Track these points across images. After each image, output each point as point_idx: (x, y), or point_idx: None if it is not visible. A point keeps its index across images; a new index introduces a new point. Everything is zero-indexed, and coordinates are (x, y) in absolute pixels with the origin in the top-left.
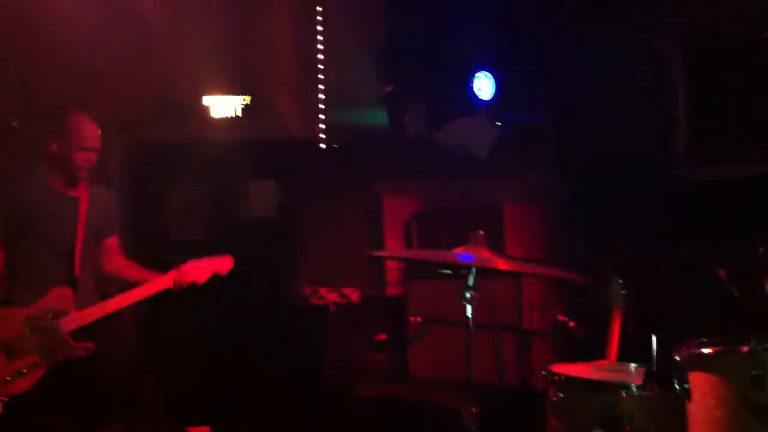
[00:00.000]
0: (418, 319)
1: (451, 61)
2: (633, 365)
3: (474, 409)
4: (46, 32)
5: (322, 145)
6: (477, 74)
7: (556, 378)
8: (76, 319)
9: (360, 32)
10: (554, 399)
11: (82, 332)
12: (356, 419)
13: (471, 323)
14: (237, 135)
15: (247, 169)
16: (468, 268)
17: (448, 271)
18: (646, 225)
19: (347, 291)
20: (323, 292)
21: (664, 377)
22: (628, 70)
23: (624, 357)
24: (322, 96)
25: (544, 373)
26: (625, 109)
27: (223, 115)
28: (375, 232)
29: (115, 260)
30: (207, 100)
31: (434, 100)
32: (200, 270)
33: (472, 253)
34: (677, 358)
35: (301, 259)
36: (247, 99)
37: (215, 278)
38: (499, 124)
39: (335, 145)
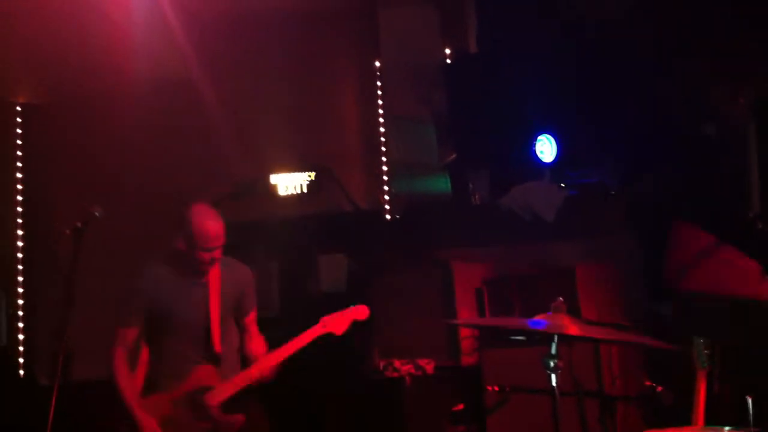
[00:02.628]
0: (495, 387)
1: (512, 126)
2: (727, 428)
3: None
4: (122, 122)
5: (387, 216)
6: (539, 137)
7: None
8: (222, 390)
9: (420, 101)
10: None
11: (231, 406)
12: None
13: (557, 392)
14: (304, 210)
15: (316, 244)
16: (545, 334)
17: (522, 338)
18: None
19: (422, 362)
20: (397, 364)
21: None
22: (695, 126)
23: (712, 420)
24: (385, 168)
25: None
26: (695, 165)
27: (290, 192)
28: (447, 300)
29: (259, 344)
30: (274, 179)
31: (497, 165)
32: (337, 322)
33: (552, 321)
34: None
35: (374, 332)
36: (312, 175)
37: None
38: (564, 185)
39: (400, 216)
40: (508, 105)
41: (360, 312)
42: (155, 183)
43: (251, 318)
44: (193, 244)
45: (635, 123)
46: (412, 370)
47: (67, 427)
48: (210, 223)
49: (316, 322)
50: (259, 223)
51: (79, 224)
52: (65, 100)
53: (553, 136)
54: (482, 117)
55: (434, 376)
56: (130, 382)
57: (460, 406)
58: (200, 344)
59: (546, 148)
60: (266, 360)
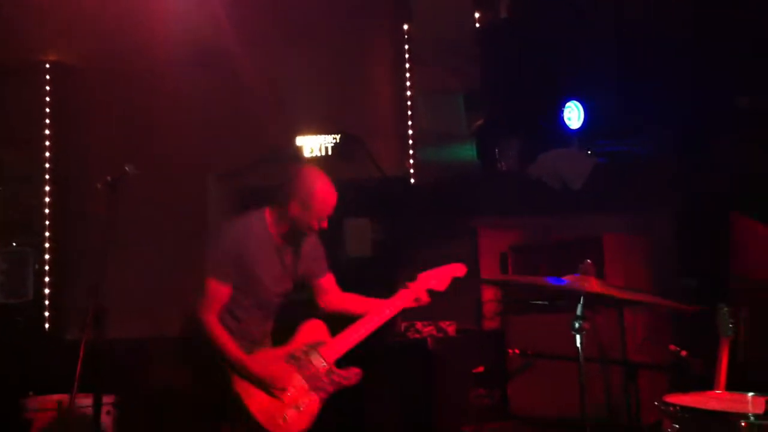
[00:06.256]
0: (516, 351)
1: (541, 92)
2: (750, 394)
3: None
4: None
5: (412, 180)
6: (567, 104)
7: (671, 409)
8: (336, 347)
9: (448, 69)
10: (670, 431)
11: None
12: None
13: (581, 354)
14: (330, 174)
15: (342, 208)
16: (567, 298)
17: (544, 302)
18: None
19: (444, 324)
20: (419, 325)
21: None
22: (731, 98)
23: (735, 387)
24: (411, 133)
25: (657, 403)
26: (728, 137)
27: (316, 155)
28: (471, 266)
29: (338, 296)
30: (300, 140)
31: (525, 131)
32: (439, 278)
33: (581, 282)
34: None
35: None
36: (338, 138)
37: None
38: (591, 153)
39: (427, 181)
40: (537, 71)
41: (458, 269)
42: (184, 146)
43: (328, 279)
44: (310, 212)
45: (671, 95)
46: (434, 332)
47: (93, 382)
48: (332, 194)
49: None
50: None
51: (110, 179)
52: (96, 60)
53: (581, 103)
54: (511, 83)
55: (456, 339)
56: (234, 343)
57: (481, 369)
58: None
59: (573, 115)
60: (378, 314)
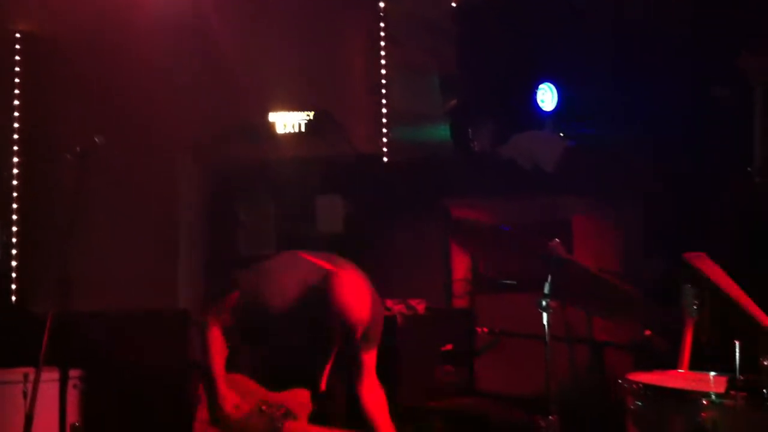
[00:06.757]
0: (485, 329)
1: (516, 73)
2: (712, 374)
3: (551, 417)
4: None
5: (385, 159)
6: (540, 86)
7: (635, 387)
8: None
9: (424, 48)
10: (633, 408)
11: None
12: (424, 430)
13: (547, 332)
14: (303, 151)
15: (314, 185)
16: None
17: (513, 282)
18: (722, 235)
19: (413, 302)
20: (389, 303)
21: (749, 385)
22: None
23: (699, 367)
24: (384, 111)
25: (620, 381)
26: (700, 122)
27: (288, 131)
28: (442, 246)
29: (371, 390)
30: (272, 117)
31: (499, 113)
32: None
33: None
34: (765, 363)
35: (367, 272)
36: (311, 115)
37: None
38: (562, 135)
39: (400, 160)
40: (513, 52)
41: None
42: (155, 118)
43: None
44: (335, 321)
45: (645, 81)
46: (404, 310)
47: (59, 355)
48: (360, 313)
49: None
50: (258, 163)
51: (79, 149)
52: (66, 31)
53: (555, 86)
54: (486, 64)
55: (425, 317)
56: (221, 357)
57: (449, 347)
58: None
59: (547, 97)
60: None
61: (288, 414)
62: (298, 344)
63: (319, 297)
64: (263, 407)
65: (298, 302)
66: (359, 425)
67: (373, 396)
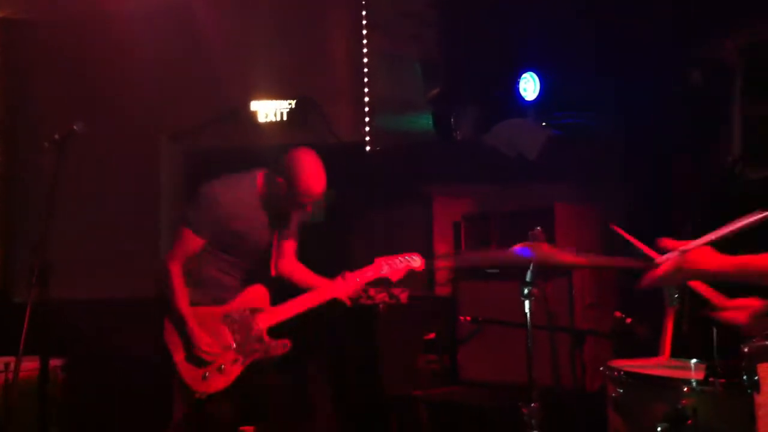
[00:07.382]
0: (467, 318)
1: (498, 62)
2: (693, 361)
3: (533, 404)
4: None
5: (368, 148)
6: (523, 75)
7: (615, 374)
8: (272, 315)
9: (406, 34)
10: (614, 395)
11: (278, 331)
12: (408, 418)
13: (529, 320)
14: (285, 139)
15: None
16: (519, 267)
17: (496, 270)
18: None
19: (396, 291)
20: (372, 291)
21: (728, 371)
22: (683, 71)
23: (680, 355)
24: (367, 99)
25: (602, 369)
26: (680, 110)
27: (270, 120)
28: (425, 234)
29: (291, 263)
30: (254, 105)
31: (482, 101)
32: (394, 267)
33: (531, 249)
34: (745, 350)
35: (350, 261)
36: (293, 103)
37: None
38: (545, 124)
39: (381, 149)
40: (496, 40)
41: (416, 262)
42: (136, 105)
43: (290, 245)
44: (294, 195)
45: (626, 69)
46: (387, 299)
47: (41, 344)
48: (319, 181)
49: None
50: (239, 150)
51: (57, 137)
52: (46, 15)
53: (538, 75)
54: (470, 51)
55: (408, 305)
56: (185, 294)
57: (432, 335)
58: (258, 265)
59: (530, 86)
60: (322, 293)
61: (255, 310)
62: (260, 240)
63: (275, 180)
64: (228, 320)
65: (252, 197)
66: None
67: (295, 266)
